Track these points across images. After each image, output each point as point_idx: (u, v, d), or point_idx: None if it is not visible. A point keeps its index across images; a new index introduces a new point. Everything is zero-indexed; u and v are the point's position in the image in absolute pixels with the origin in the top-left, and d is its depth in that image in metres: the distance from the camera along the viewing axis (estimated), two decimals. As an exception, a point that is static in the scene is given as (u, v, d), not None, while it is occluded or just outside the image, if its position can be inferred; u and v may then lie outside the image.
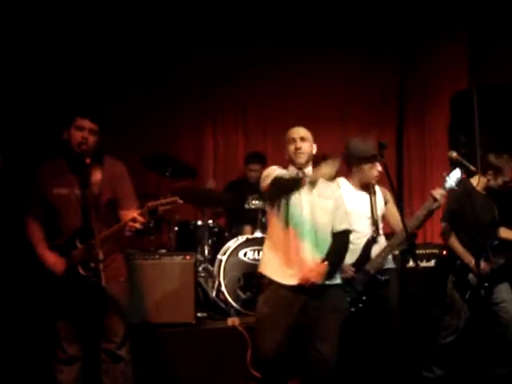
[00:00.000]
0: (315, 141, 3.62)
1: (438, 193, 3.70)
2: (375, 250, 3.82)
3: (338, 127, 7.19)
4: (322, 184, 3.52)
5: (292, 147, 3.50)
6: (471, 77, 6.09)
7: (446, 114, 6.27)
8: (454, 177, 3.74)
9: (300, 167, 3.47)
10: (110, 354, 3.49)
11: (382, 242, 3.89)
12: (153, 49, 6.50)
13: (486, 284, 4.19)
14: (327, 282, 3.40)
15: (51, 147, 3.69)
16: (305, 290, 3.35)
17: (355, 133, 7.00)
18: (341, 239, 3.53)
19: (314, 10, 6.13)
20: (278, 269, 3.44)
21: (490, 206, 4.40)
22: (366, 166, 3.86)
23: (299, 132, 3.55)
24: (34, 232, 3.46)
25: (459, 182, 3.77)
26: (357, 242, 3.78)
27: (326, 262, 3.39)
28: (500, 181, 4.33)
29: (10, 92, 5.29)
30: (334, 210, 3.51)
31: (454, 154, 4.10)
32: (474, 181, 4.38)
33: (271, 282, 3.45)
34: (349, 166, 3.93)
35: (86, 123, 3.37)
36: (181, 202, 3.21)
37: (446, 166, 6.10)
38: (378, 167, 3.85)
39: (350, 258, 3.74)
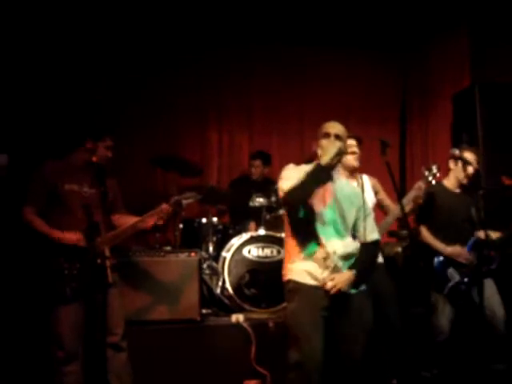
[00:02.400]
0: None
1: (420, 185, 3.91)
2: None
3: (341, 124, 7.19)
4: (343, 181, 3.43)
5: (325, 142, 3.27)
6: (474, 75, 6.09)
7: (448, 112, 6.28)
8: (432, 171, 3.90)
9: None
10: (113, 347, 3.58)
11: None
12: (159, 48, 6.53)
13: (466, 279, 4.19)
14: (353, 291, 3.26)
15: (56, 146, 3.77)
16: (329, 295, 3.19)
17: (358, 131, 7.02)
18: (370, 250, 3.36)
19: (317, 10, 6.14)
20: (305, 272, 3.25)
21: (465, 204, 4.33)
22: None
23: (335, 128, 3.33)
24: (36, 220, 3.54)
25: (436, 177, 3.91)
26: None
27: (353, 271, 3.22)
28: (461, 165, 4.28)
29: (16, 92, 5.33)
30: (363, 216, 3.33)
31: (457, 152, 4.14)
32: (445, 181, 4.38)
33: (299, 285, 3.25)
34: None
35: (111, 143, 3.70)
36: (200, 196, 3.63)
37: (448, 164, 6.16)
38: (355, 150, 3.97)
39: None
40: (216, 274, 5.20)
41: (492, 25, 5.95)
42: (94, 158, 3.55)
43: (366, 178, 4.09)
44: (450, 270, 4.19)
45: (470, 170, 4.27)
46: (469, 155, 4.27)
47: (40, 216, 3.54)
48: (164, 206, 3.64)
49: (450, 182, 4.37)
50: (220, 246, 5.41)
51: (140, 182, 6.18)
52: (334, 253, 3.22)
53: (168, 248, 5.18)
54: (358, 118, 7.01)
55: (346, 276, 3.19)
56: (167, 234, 5.79)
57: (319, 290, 3.20)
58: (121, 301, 3.68)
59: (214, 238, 5.56)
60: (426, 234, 4.29)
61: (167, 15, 6.09)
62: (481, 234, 4.13)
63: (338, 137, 3.27)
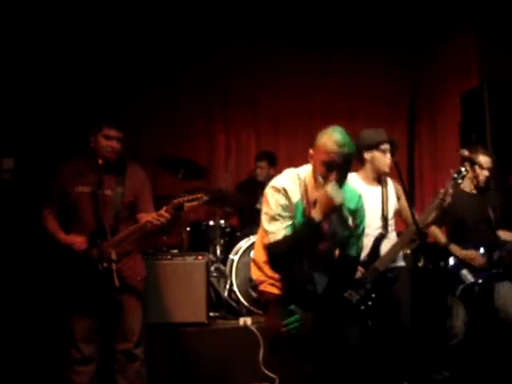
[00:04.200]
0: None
1: (446, 192, 3.66)
2: (385, 247, 3.74)
3: (348, 125, 7.10)
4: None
5: (324, 157, 2.77)
6: (482, 74, 6.06)
7: (457, 111, 6.24)
8: (461, 174, 3.71)
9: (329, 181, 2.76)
10: (126, 354, 3.52)
11: (392, 238, 3.82)
12: (164, 49, 6.53)
13: (480, 281, 4.15)
14: None
15: (64, 150, 3.76)
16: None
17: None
18: (347, 264, 3.04)
19: (324, 9, 6.14)
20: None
21: (481, 206, 4.31)
22: (379, 154, 3.81)
23: (341, 156, 2.75)
24: (50, 222, 3.52)
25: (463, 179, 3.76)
26: (367, 239, 3.60)
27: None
28: (477, 169, 4.27)
29: (21, 96, 5.34)
30: (357, 235, 3.00)
31: (466, 152, 4.10)
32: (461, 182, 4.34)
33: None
34: (360, 158, 3.86)
35: (114, 132, 3.50)
36: (206, 198, 3.21)
37: (457, 164, 6.11)
38: (389, 156, 3.78)
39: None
40: (224, 276, 5.18)
41: (500, 24, 5.92)
42: (100, 161, 3.46)
43: (390, 182, 3.95)
44: (464, 272, 4.14)
45: (485, 173, 4.26)
46: (483, 159, 4.25)
47: (58, 220, 3.52)
48: (160, 213, 3.31)
49: (466, 183, 4.32)
50: (228, 249, 5.39)
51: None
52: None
53: (175, 251, 5.15)
54: (365, 118, 6.98)
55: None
56: (174, 237, 5.77)
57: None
58: (139, 308, 3.59)
59: (222, 241, 5.54)
60: (440, 235, 4.26)
61: (173, 15, 6.10)
62: (500, 233, 4.14)
63: (342, 168, 2.76)
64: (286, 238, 2.78)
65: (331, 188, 2.71)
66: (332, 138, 2.78)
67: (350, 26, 6.49)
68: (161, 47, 6.51)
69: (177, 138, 6.72)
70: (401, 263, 3.90)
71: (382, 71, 7.19)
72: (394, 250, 3.76)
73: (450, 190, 3.66)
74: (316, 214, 2.74)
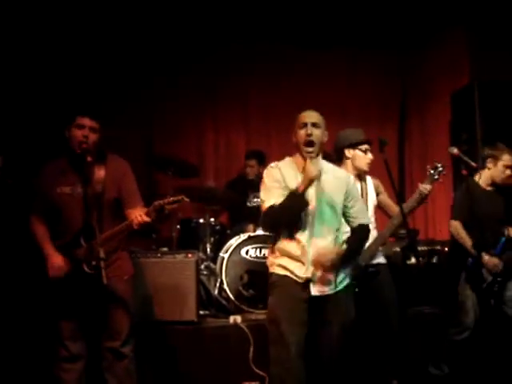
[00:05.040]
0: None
1: (425, 187, 3.78)
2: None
3: (339, 125, 7.15)
4: (330, 176, 3.35)
5: (302, 133, 3.25)
6: (472, 73, 6.08)
7: (447, 110, 6.27)
8: (438, 170, 3.82)
9: (309, 157, 3.21)
10: (113, 352, 3.48)
11: (373, 234, 3.85)
12: (154, 48, 6.51)
13: (500, 279, 4.17)
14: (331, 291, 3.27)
15: (52, 147, 3.71)
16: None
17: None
18: (359, 232, 3.38)
19: (315, 9, 6.14)
20: (287, 264, 3.28)
21: (497, 202, 4.36)
22: (360, 153, 3.93)
23: (311, 116, 3.29)
24: (38, 230, 3.46)
25: (441, 175, 3.83)
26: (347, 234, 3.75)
27: (342, 248, 3.27)
28: (500, 167, 4.32)
29: (10, 92, 5.30)
30: (352, 201, 3.36)
31: (455, 151, 4.12)
32: (477, 177, 4.38)
33: (280, 278, 3.29)
34: (340, 156, 3.97)
35: (87, 121, 3.37)
36: (187, 200, 3.17)
37: (447, 162, 6.12)
38: (370, 155, 3.94)
39: None
40: (214, 274, 5.17)
41: (490, 23, 5.95)
42: (77, 148, 3.31)
43: (369, 178, 4.07)
44: (484, 270, 4.17)
45: (508, 172, 4.32)
46: (508, 158, 4.32)
47: (46, 222, 3.46)
48: (137, 217, 3.21)
49: (482, 180, 4.36)
50: (218, 247, 5.38)
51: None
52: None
53: (165, 249, 5.16)
54: (356, 117, 7.00)
55: (330, 250, 3.22)
56: (164, 235, 5.75)
57: (299, 284, 3.22)
58: (127, 307, 3.53)
59: (212, 239, 5.53)
60: (460, 231, 4.26)
61: (163, 15, 6.09)
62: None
63: (315, 125, 3.25)
64: (275, 206, 3.19)
65: (309, 162, 3.18)
66: (302, 112, 3.34)
67: (342, 26, 6.50)
68: (150, 46, 6.49)
69: (166, 136, 6.71)
70: (381, 260, 3.94)
71: (372, 71, 7.22)
72: (375, 244, 3.83)
73: (428, 186, 3.77)
74: (299, 186, 3.16)
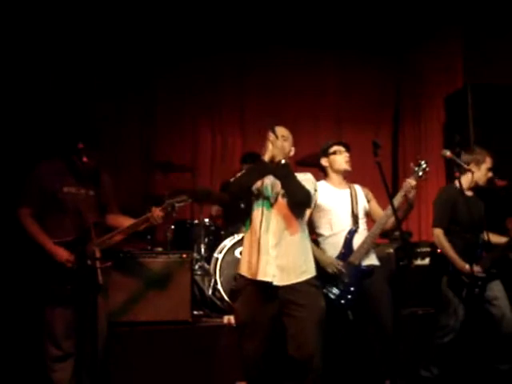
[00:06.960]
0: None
1: (409, 182, 3.85)
2: (357, 242, 3.89)
3: (334, 127, 7.23)
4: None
5: (271, 146, 3.48)
6: (466, 76, 6.12)
7: (441, 113, 6.30)
8: (421, 167, 3.90)
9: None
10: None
11: (364, 235, 3.93)
12: (150, 49, 6.52)
13: (480, 282, 4.21)
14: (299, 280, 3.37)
15: (44, 147, 3.74)
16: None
17: (351, 132, 7.05)
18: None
19: (310, 11, 6.17)
20: (247, 265, 3.43)
21: (477, 207, 4.36)
22: (333, 156, 4.02)
23: (281, 131, 3.56)
24: (32, 224, 3.50)
25: (425, 172, 3.91)
26: (340, 235, 3.89)
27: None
28: (484, 170, 4.33)
29: (2, 93, 5.29)
30: None
31: (448, 153, 4.14)
32: (456, 183, 4.35)
33: (244, 282, 3.44)
34: (323, 166, 4.08)
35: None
36: (190, 200, 3.62)
37: (440, 164, 6.18)
38: (345, 154, 4.01)
39: (334, 251, 3.87)
40: (208, 275, 5.19)
41: (484, 27, 5.98)
42: (85, 159, 3.46)
43: (358, 187, 4.12)
44: (464, 276, 4.18)
45: (489, 174, 4.35)
46: (490, 160, 4.34)
47: (35, 218, 3.50)
48: (156, 212, 3.61)
49: (462, 185, 4.28)
50: (212, 247, 5.40)
51: (131, 185, 6.13)
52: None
53: (160, 249, 5.18)
54: (351, 120, 7.04)
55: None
56: (159, 235, 5.76)
57: (259, 285, 3.33)
58: (106, 305, 3.61)
59: (206, 239, 5.55)
60: (442, 239, 4.27)
61: (163, 16, 6.11)
62: (491, 237, 4.16)
63: (283, 137, 3.52)
64: (240, 176, 3.52)
65: (274, 139, 3.47)
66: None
67: (334, 30, 6.53)
68: (146, 48, 6.50)
69: (163, 138, 6.73)
70: (374, 262, 3.96)
71: (367, 74, 7.25)
72: (367, 243, 3.88)
73: (413, 183, 3.83)
74: (264, 155, 3.44)
